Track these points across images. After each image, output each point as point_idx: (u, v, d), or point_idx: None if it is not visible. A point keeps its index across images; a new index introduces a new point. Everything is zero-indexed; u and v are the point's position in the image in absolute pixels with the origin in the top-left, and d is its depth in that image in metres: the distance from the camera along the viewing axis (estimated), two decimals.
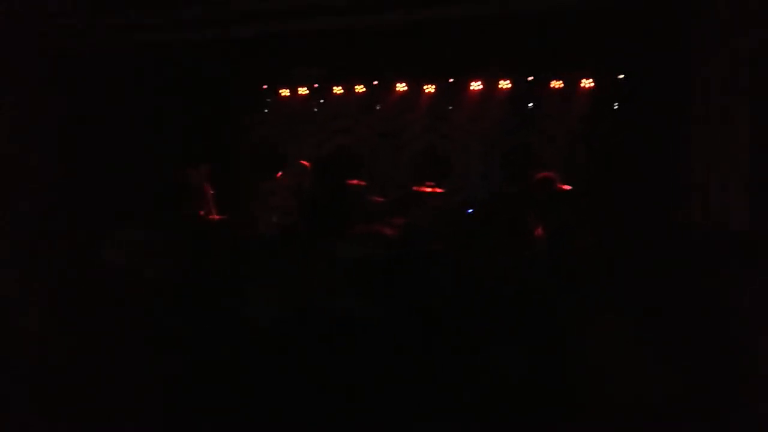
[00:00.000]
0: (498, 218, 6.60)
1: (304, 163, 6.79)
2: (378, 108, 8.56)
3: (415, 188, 7.28)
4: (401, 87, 8.28)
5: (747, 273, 3.46)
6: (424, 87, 8.24)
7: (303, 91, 8.74)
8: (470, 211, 7.34)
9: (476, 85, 8.00)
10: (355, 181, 6.87)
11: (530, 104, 7.88)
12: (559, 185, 5.53)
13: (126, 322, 3.13)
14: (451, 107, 8.28)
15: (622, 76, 7.24)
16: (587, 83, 7.51)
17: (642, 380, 2.77)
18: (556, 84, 7.64)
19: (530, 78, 7.73)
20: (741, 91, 4.35)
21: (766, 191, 3.91)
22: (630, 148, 6.77)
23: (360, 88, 8.50)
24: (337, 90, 8.60)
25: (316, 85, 8.66)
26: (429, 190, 7.22)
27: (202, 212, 6.53)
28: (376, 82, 8.39)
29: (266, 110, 8.98)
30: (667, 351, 2.95)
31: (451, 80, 8.09)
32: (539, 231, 5.34)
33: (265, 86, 8.85)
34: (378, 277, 3.55)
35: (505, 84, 7.88)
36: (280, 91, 8.84)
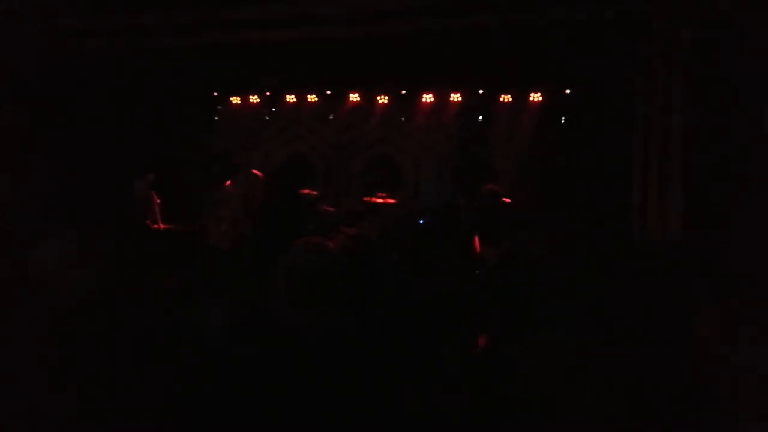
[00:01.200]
0: (443, 230, 6.70)
1: (256, 172, 6.72)
2: (331, 118, 8.55)
3: (366, 199, 7.32)
4: (354, 97, 8.31)
5: (681, 280, 3.64)
6: (378, 98, 8.29)
7: (255, 99, 8.66)
8: (422, 221, 7.40)
9: (428, 98, 8.10)
10: (307, 191, 6.85)
11: (481, 117, 8.04)
12: (503, 198, 5.69)
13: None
14: (403, 119, 8.36)
15: (568, 92, 7.47)
16: (536, 97, 7.72)
17: (584, 386, 2.87)
18: (506, 98, 7.83)
19: (481, 91, 7.89)
20: (677, 113, 4.57)
21: (698, 207, 4.12)
22: (575, 163, 6.99)
23: (313, 98, 8.48)
24: (290, 99, 8.56)
25: (268, 94, 8.59)
26: (381, 200, 7.26)
27: (148, 221, 6.38)
28: (329, 92, 8.38)
29: (217, 118, 8.85)
30: (607, 356, 3.07)
31: (404, 92, 8.17)
32: (476, 241, 5.47)
33: (215, 93, 8.73)
34: (322, 288, 3.55)
35: (456, 97, 8.01)
36: (232, 98, 8.73)
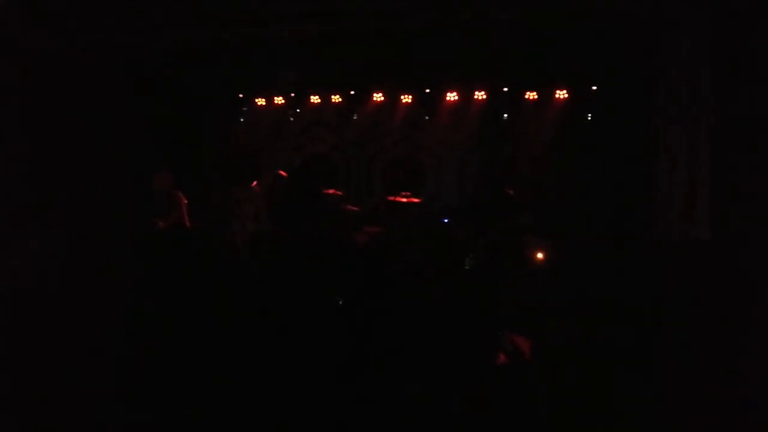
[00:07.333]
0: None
1: (281, 173, 6.77)
2: (355, 117, 8.56)
3: (390, 198, 7.30)
4: (378, 97, 8.30)
5: (708, 279, 3.54)
6: (401, 97, 8.27)
7: (279, 99, 8.72)
8: (446, 220, 7.36)
9: (452, 96, 8.05)
10: (331, 190, 6.87)
11: (505, 115, 7.95)
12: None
13: None
14: (427, 117, 8.32)
15: (594, 88, 7.35)
16: (561, 95, 7.62)
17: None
18: (531, 95, 7.73)
19: (505, 89, 7.81)
20: (703, 110, 4.46)
21: (726, 205, 4.02)
22: (600, 160, 6.87)
23: (336, 98, 8.50)
24: (314, 99, 8.60)
25: (292, 94, 8.64)
26: (404, 199, 7.24)
27: (170, 219, 6.44)
28: (352, 92, 8.40)
29: (242, 118, 8.94)
30: (621, 355, 3.01)
31: (428, 90, 8.13)
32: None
33: (241, 95, 8.81)
34: (350, 285, 3.57)
35: (480, 95, 7.94)
36: (256, 99, 8.80)
